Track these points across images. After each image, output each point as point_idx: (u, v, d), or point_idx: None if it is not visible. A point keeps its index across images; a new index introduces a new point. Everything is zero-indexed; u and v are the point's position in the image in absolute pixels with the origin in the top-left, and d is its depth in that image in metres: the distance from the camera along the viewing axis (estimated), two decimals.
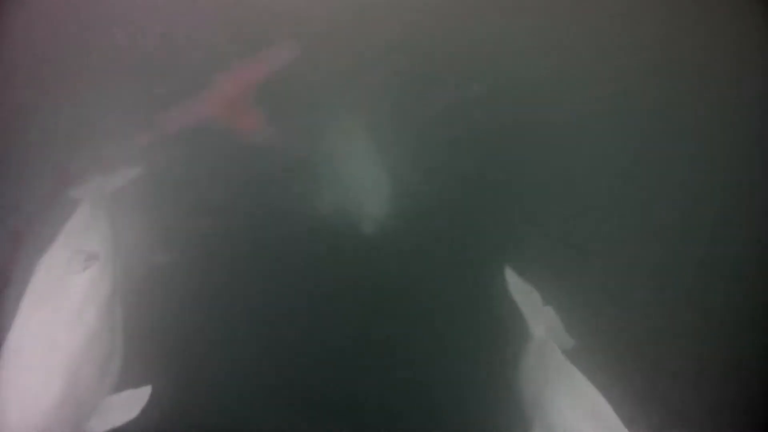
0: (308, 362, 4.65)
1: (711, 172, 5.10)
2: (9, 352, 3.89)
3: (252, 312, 4.82)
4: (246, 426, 4.31)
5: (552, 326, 4.58)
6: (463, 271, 4.99)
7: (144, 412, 3.99)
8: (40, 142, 5.33)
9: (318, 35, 6.03)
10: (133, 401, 4.07)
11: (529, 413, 4.12)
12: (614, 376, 4.41)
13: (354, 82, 5.92)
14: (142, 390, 4.13)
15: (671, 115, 5.33)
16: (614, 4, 5.97)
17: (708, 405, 4.34)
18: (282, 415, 4.33)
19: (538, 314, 4.65)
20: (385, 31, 6.10)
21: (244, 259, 5.09)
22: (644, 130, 5.34)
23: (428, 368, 4.56)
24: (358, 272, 5.00)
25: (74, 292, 4.23)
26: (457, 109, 5.85)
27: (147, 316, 4.60)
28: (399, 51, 6.05)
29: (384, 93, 5.91)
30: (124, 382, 4.21)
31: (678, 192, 5.12)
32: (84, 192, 5.09)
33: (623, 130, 5.34)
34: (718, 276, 4.82)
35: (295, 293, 4.97)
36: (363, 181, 5.51)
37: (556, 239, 5.14)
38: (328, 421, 4.38)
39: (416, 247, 5.16)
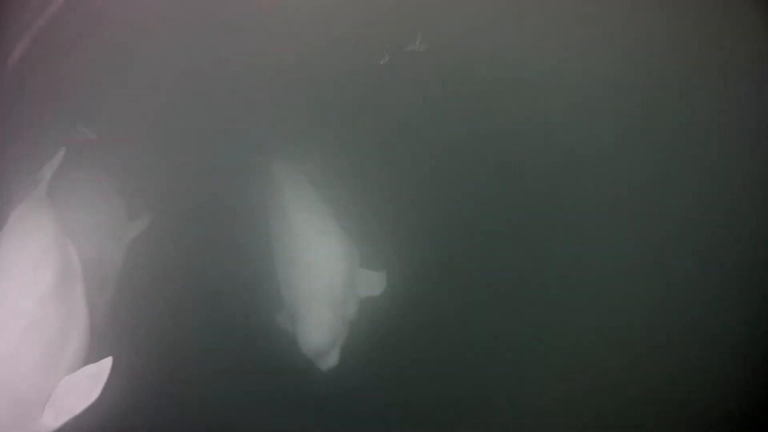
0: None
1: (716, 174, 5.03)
2: None
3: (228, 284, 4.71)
4: (222, 402, 4.15)
5: None
6: None
7: (107, 394, 3.48)
8: None
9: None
10: (92, 379, 3.53)
11: None
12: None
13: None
14: (101, 363, 3.58)
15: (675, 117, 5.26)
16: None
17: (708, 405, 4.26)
18: (253, 389, 4.26)
19: None
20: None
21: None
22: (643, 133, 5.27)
23: None
24: None
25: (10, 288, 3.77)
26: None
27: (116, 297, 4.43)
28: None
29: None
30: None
31: (681, 193, 5.02)
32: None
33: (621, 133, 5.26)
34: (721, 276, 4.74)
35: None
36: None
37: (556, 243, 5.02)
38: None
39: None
